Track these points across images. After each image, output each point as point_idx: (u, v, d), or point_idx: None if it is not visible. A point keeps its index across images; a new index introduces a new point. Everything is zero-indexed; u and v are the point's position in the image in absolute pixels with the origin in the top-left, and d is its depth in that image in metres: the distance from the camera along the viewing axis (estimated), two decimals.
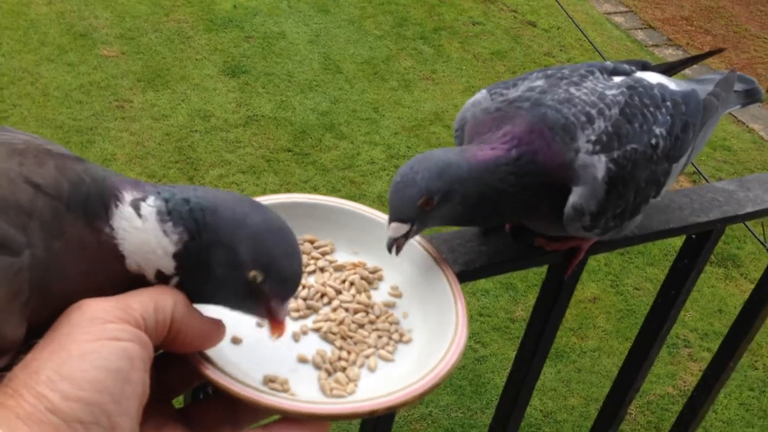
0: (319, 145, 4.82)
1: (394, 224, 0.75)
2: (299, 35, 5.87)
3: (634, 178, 0.83)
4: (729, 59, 6.83)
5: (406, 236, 0.76)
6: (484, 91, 0.89)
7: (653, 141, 0.85)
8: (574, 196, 0.80)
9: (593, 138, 0.81)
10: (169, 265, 0.56)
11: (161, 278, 0.57)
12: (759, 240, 3.87)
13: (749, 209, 1.03)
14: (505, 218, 0.89)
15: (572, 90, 0.84)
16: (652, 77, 0.93)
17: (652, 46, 6.91)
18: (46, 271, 0.52)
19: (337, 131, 4.96)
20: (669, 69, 1.00)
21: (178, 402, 0.64)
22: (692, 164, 4.37)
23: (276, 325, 0.61)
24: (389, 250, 0.76)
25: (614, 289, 4.24)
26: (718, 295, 4.31)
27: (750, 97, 1.06)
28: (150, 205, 0.56)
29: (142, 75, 5.13)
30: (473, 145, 0.82)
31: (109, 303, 0.52)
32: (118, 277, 0.56)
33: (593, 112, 0.83)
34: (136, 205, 0.56)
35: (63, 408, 0.46)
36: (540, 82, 0.86)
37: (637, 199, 0.86)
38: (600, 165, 0.81)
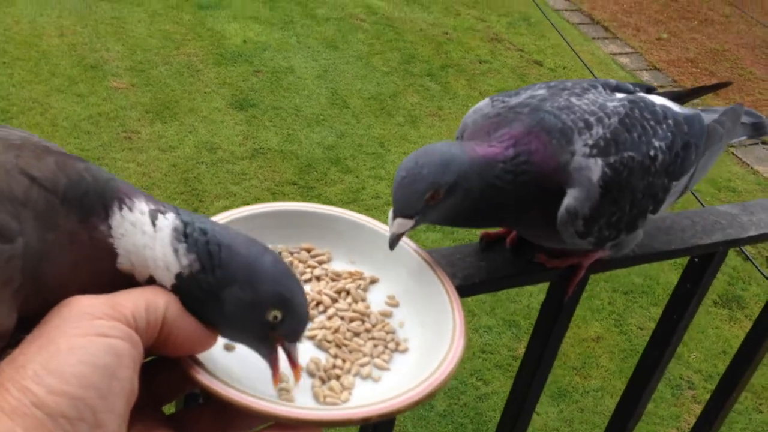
0: (325, 178, 4.84)
1: (399, 220, 0.74)
2: (307, 70, 5.93)
3: (630, 185, 0.83)
4: (734, 101, 6.86)
5: (407, 231, 0.76)
6: (487, 99, 0.90)
7: (652, 152, 0.85)
8: (569, 198, 0.80)
9: (590, 142, 0.81)
10: (166, 279, 0.56)
11: (151, 283, 0.57)
12: (764, 275, 3.85)
13: (752, 233, 1.03)
14: (503, 220, 0.88)
15: (573, 99, 0.85)
16: (656, 98, 0.93)
17: (658, 87, 6.96)
18: (39, 260, 0.52)
19: (342, 165, 4.98)
20: (676, 98, 1.00)
21: (169, 409, 0.63)
22: (699, 201, 4.36)
23: (294, 368, 0.61)
24: (391, 247, 0.75)
25: (618, 328, 4.20)
26: (722, 337, 4.27)
27: (757, 131, 1.06)
28: (167, 219, 0.57)
29: (150, 107, 5.18)
30: (471, 142, 0.82)
31: (99, 300, 0.52)
32: (107, 274, 0.56)
33: (592, 119, 0.83)
34: (153, 216, 0.56)
35: (48, 402, 0.45)
36: (542, 92, 0.87)
37: (633, 211, 0.85)
38: (596, 168, 0.80)
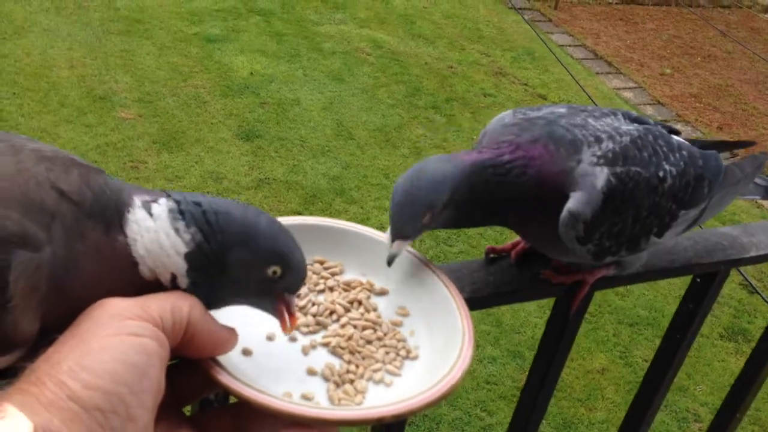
0: (329, 209, 4.86)
1: (397, 242, 0.77)
2: (313, 102, 5.99)
3: (635, 199, 0.84)
4: (737, 136, 6.91)
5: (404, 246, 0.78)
6: (510, 111, 0.92)
7: (660, 173, 0.86)
8: (571, 201, 0.82)
9: (599, 153, 0.83)
10: (180, 267, 0.58)
11: (174, 283, 0.59)
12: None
13: (753, 253, 1.04)
14: (500, 220, 0.89)
15: (590, 120, 0.87)
16: (675, 137, 0.95)
17: (662, 121, 7.00)
18: (66, 271, 0.54)
19: (347, 196, 5.01)
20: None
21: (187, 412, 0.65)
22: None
23: (291, 317, 0.65)
24: (389, 264, 0.78)
25: (623, 360, 4.19)
26: (728, 370, 4.26)
27: None
28: (160, 205, 0.59)
29: (157, 137, 5.23)
30: (462, 151, 0.84)
31: (129, 302, 0.54)
32: (132, 284, 0.58)
33: (603, 136, 0.85)
34: (147, 207, 0.58)
35: (83, 396, 0.47)
36: (562, 110, 0.89)
37: (636, 227, 0.87)
38: (601, 175, 0.82)
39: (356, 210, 4.90)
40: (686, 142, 0.94)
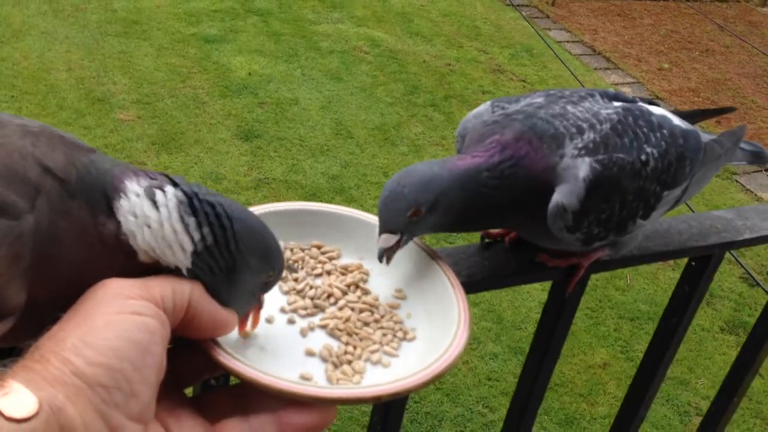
0: None
1: (384, 235, 0.78)
2: (312, 101, 6.00)
3: (620, 185, 0.85)
4: None
5: (397, 246, 0.79)
6: (487, 104, 0.93)
7: (643, 157, 0.87)
8: (557, 194, 0.83)
9: (580, 146, 0.84)
10: (183, 262, 0.59)
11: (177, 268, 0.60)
12: None
13: (747, 236, 1.05)
14: (494, 223, 0.91)
15: (568, 107, 0.88)
16: (656, 109, 0.95)
17: None
18: (50, 243, 0.54)
19: (347, 194, 5.02)
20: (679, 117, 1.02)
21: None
22: None
23: (258, 311, 0.69)
24: (380, 260, 0.79)
25: (624, 355, 4.19)
26: (730, 362, 4.22)
27: (756, 158, 1.09)
28: (168, 194, 0.58)
29: (156, 138, 5.23)
30: (455, 156, 0.86)
31: (131, 282, 0.55)
32: (127, 269, 0.58)
33: (584, 125, 0.86)
34: (150, 194, 0.57)
35: (87, 372, 0.48)
36: (539, 99, 0.90)
37: (623, 212, 0.88)
38: (583, 165, 0.83)
39: (356, 208, 4.89)
40: (668, 118, 0.94)
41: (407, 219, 0.79)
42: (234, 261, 0.60)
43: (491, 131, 0.87)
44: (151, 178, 0.59)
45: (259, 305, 0.68)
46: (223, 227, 0.59)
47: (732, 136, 1.03)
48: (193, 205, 0.58)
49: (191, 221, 0.58)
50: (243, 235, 0.60)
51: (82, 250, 0.56)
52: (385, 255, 0.79)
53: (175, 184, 0.59)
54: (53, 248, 0.54)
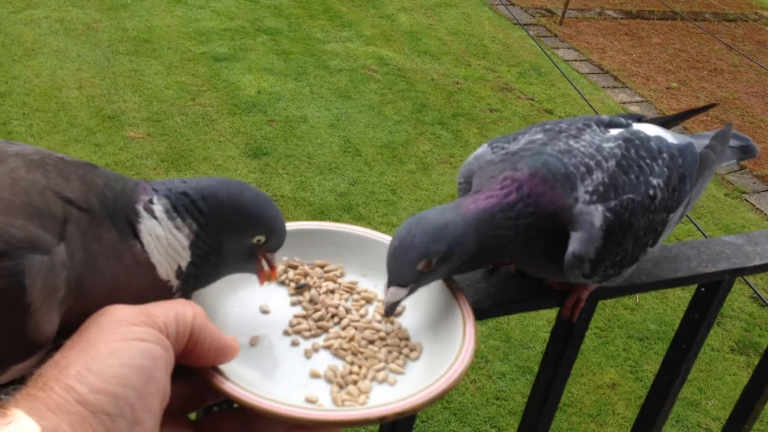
0: None
1: (392, 289, 0.75)
2: (320, 119, 6.02)
3: (632, 227, 0.85)
4: None
5: (404, 298, 0.76)
6: (485, 146, 0.92)
7: (651, 192, 0.86)
8: (574, 244, 0.81)
9: (590, 189, 0.83)
10: (186, 257, 0.62)
11: (179, 272, 0.62)
12: None
13: (757, 262, 1.04)
14: (501, 258, 0.88)
15: (571, 142, 0.87)
16: (650, 129, 0.95)
17: None
18: (86, 267, 0.55)
19: (355, 212, 5.02)
20: (665, 123, 1.03)
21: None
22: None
23: (272, 269, 0.71)
24: (387, 314, 0.76)
25: (633, 375, 4.16)
26: (740, 383, 4.22)
27: (745, 153, 1.09)
28: (158, 205, 0.62)
29: (166, 156, 5.26)
30: (468, 198, 0.82)
31: (134, 309, 0.55)
32: (152, 287, 0.60)
33: (591, 163, 0.84)
34: (149, 210, 0.61)
35: (91, 400, 0.48)
36: (540, 136, 0.89)
37: (636, 248, 0.87)
38: (596, 213, 0.82)
39: (364, 226, 4.89)
40: (664, 139, 0.93)
41: (417, 272, 0.75)
42: (218, 234, 0.63)
43: (501, 169, 0.84)
44: (145, 192, 0.63)
45: (267, 261, 0.70)
46: (199, 210, 0.62)
47: (723, 137, 1.03)
48: (174, 204, 0.62)
49: (178, 221, 0.62)
50: (215, 208, 0.63)
51: (118, 271, 0.58)
52: (393, 309, 0.76)
53: (155, 190, 0.63)
54: (88, 272, 0.56)
